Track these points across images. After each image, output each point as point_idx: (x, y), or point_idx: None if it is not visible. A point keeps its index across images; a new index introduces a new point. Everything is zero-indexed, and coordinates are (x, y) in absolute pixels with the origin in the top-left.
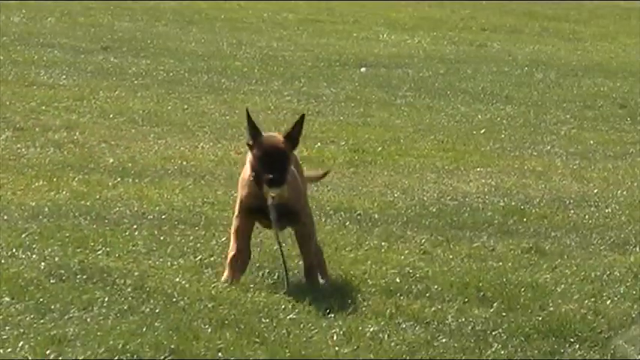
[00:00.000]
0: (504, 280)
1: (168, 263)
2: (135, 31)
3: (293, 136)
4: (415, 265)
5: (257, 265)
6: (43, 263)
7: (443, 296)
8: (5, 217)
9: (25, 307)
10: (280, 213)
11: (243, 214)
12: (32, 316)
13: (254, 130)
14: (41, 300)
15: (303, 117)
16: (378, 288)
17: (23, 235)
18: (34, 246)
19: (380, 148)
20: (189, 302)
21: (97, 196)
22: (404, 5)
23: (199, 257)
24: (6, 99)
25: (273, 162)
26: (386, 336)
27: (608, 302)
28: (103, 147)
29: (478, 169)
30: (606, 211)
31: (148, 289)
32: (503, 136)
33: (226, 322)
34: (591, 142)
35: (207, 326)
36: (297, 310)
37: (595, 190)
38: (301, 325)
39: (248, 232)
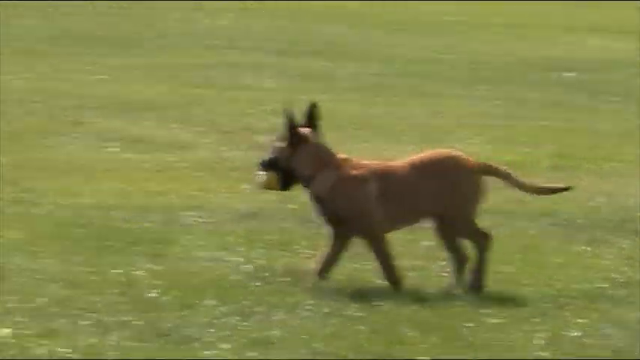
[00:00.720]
0: None
1: (371, 266)
2: (342, 35)
3: (290, 137)
4: (619, 270)
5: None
6: (248, 266)
7: None
8: (211, 220)
9: (230, 309)
10: (325, 211)
11: None
12: (237, 318)
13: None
14: (245, 302)
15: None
16: (581, 292)
17: (229, 238)
18: (239, 248)
19: (585, 153)
20: (392, 306)
21: (303, 199)
22: (612, 7)
23: (404, 261)
24: (213, 102)
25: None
26: (589, 341)
27: None
28: None
29: None
30: None
31: (351, 292)
32: None
33: (430, 325)
34: None
35: (411, 330)
36: (500, 315)
37: None
38: (504, 330)
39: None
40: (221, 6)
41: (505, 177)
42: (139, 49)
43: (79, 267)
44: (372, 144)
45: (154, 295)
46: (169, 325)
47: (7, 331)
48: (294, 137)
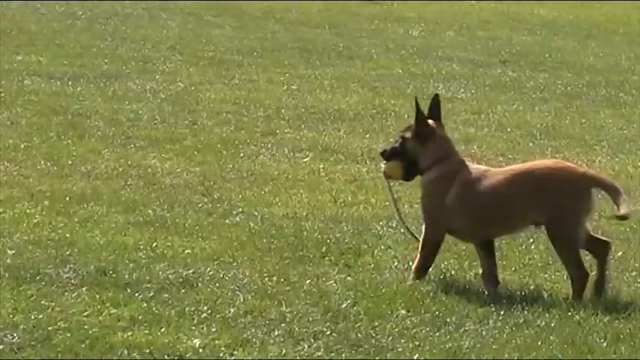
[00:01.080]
0: None
1: (564, 277)
2: (533, 44)
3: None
4: None
5: None
6: (439, 276)
7: None
8: (402, 230)
9: (421, 319)
10: None
11: None
12: (427, 329)
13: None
14: (437, 313)
15: (436, 97)
16: None
17: None
18: None
19: None
20: (584, 316)
21: None
22: None
23: (593, 273)
24: (405, 112)
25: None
26: None
27: None
28: (501, 160)
29: None
30: None
31: (543, 302)
32: None
33: (621, 336)
34: None
35: (602, 340)
36: None
37: None
38: None
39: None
40: (412, 16)
41: (611, 192)
42: (329, 59)
43: (270, 277)
44: (563, 155)
45: (345, 305)
46: (361, 335)
47: (199, 341)
48: (422, 129)
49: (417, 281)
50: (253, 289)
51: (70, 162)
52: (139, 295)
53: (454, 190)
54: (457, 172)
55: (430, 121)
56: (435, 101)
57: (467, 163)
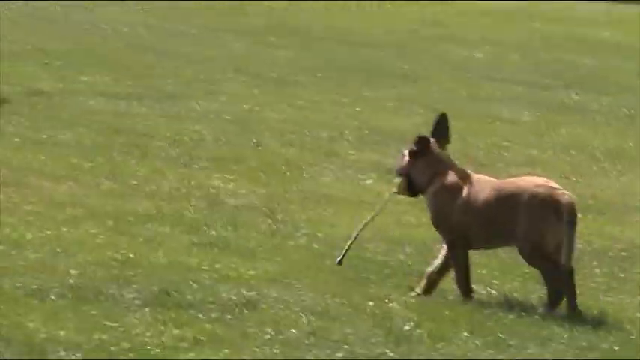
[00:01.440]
0: None
1: (627, 300)
2: (597, 67)
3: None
4: None
5: None
6: (502, 298)
7: None
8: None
9: (484, 342)
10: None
11: None
12: (491, 351)
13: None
14: (500, 335)
15: (442, 115)
16: None
17: (483, 271)
18: (493, 281)
19: None
20: None
21: None
22: None
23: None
24: (468, 135)
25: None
26: None
27: None
28: (564, 183)
29: None
30: None
31: (606, 326)
32: None
33: None
34: None
35: None
36: None
37: None
38: None
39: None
40: (475, 38)
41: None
42: (392, 80)
43: (333, 298)
44: (629, 177)
45: (407, 327)
46: (423, 357)
47: None
48: (417, 146)
49: (470, 296)
50: (316, 310)
51: (133, 182)
52: (202, 315)
53: (460, 200)
54: (462, 184)
55: (431, 139)
56: (440, 119)
57: (471, 175)
